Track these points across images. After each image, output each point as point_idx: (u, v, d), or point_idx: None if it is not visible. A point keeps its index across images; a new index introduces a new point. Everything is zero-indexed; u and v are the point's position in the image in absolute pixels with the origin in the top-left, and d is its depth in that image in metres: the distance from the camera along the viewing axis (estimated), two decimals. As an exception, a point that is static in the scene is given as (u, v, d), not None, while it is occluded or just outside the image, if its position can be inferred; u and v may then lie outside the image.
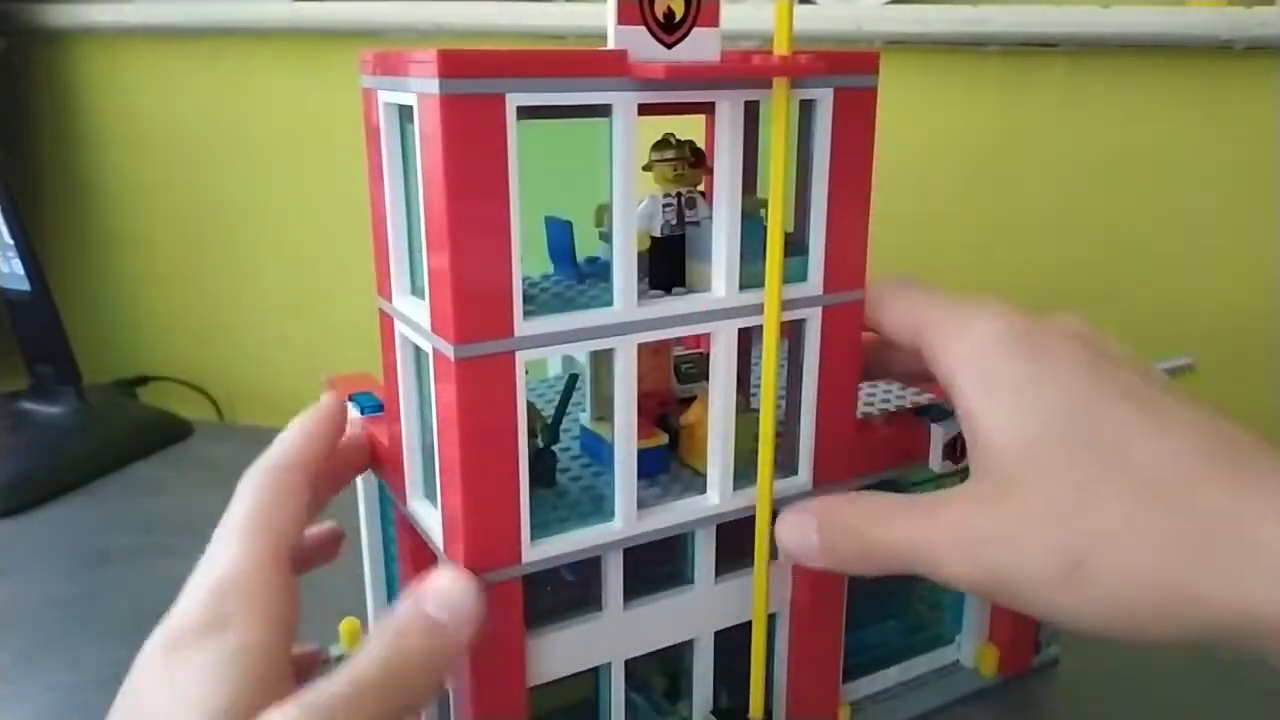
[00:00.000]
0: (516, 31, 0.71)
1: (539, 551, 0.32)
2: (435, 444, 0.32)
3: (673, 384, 0.40)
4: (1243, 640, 0.25)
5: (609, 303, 0.31)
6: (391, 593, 0.43)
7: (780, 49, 0.30)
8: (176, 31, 0.78)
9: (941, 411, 0.38)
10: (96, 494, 0.67)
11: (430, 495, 0.34)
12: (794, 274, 0.34)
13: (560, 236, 0.35)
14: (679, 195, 0.35)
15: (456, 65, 0.27)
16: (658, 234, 0.34)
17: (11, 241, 0.70)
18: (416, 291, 0.33)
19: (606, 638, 0.35)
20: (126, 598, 0.54)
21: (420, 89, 0.28)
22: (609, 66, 0.29)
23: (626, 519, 0.33)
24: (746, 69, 0.31)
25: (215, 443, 0.76)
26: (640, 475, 0.33)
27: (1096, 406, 0.28)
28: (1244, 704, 0.44)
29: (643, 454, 0.33)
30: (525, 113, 0.28)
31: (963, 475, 0.33)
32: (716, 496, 0.35)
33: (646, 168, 0.35)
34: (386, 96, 0.31)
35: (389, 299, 0.34)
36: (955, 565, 0.29)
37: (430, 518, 0.33)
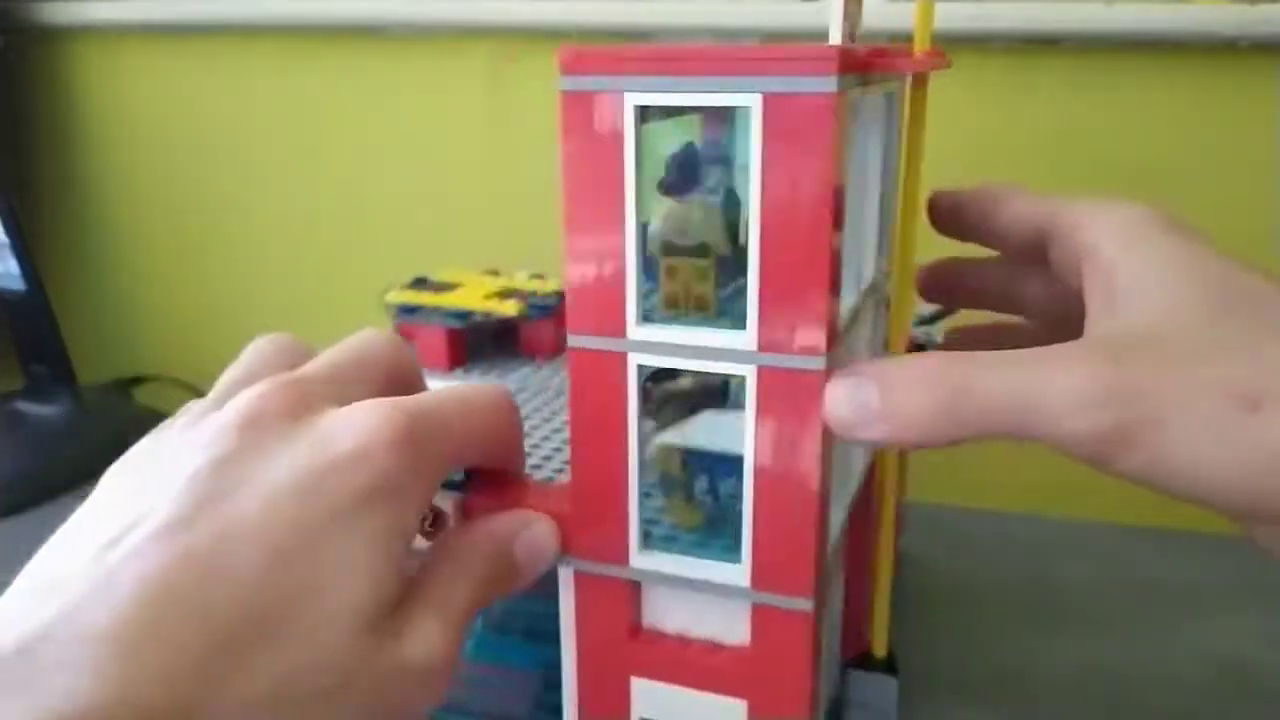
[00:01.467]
0: (514, 26, 0.70)
1: None
2: (748, 488, 0.29)
3: None
4: None
5: None
6: (553, 688, 0.36)
7: (921, 45, 0.31)
8: (174, 29, 0.78)
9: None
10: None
11: (682, 547, 0.31)
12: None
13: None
14: None
15: (848, 62, 0.26)
16: None
17: (7, 240, 0.69)
18: (653, 316, 0.30)
19: None
20: (122, 599, 0.53)
21: (788, 88, 0.26)
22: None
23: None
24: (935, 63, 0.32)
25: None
26: None
27: (1253, 280, 0.26)
28: (1251, 709, 0.44)
29: None
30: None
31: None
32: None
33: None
34: (641, 99, 0.27)
35: (618, 334, 0.29)
36: (1078, 421, 0.24)
37: (696, 567, 0.30)
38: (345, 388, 0.28)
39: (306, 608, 0.23)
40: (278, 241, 0.82)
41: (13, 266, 0.70)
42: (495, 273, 0.55)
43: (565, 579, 0.32)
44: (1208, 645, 0.49)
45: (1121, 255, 0.27)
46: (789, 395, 0.28)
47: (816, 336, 0.27)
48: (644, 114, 0.27)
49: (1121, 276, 0.27)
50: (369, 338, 0.31)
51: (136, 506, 0.24)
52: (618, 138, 0.27)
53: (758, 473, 0.29)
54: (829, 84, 0.25)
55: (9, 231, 0.69)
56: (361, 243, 0.80)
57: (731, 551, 0.30)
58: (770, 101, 0.26)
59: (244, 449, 0.25)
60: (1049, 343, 0.26)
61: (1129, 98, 0.62)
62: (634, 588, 0.32)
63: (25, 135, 0.85)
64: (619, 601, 0.32)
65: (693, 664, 0.32)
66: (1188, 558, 0.57)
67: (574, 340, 0.30)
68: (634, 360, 0.29)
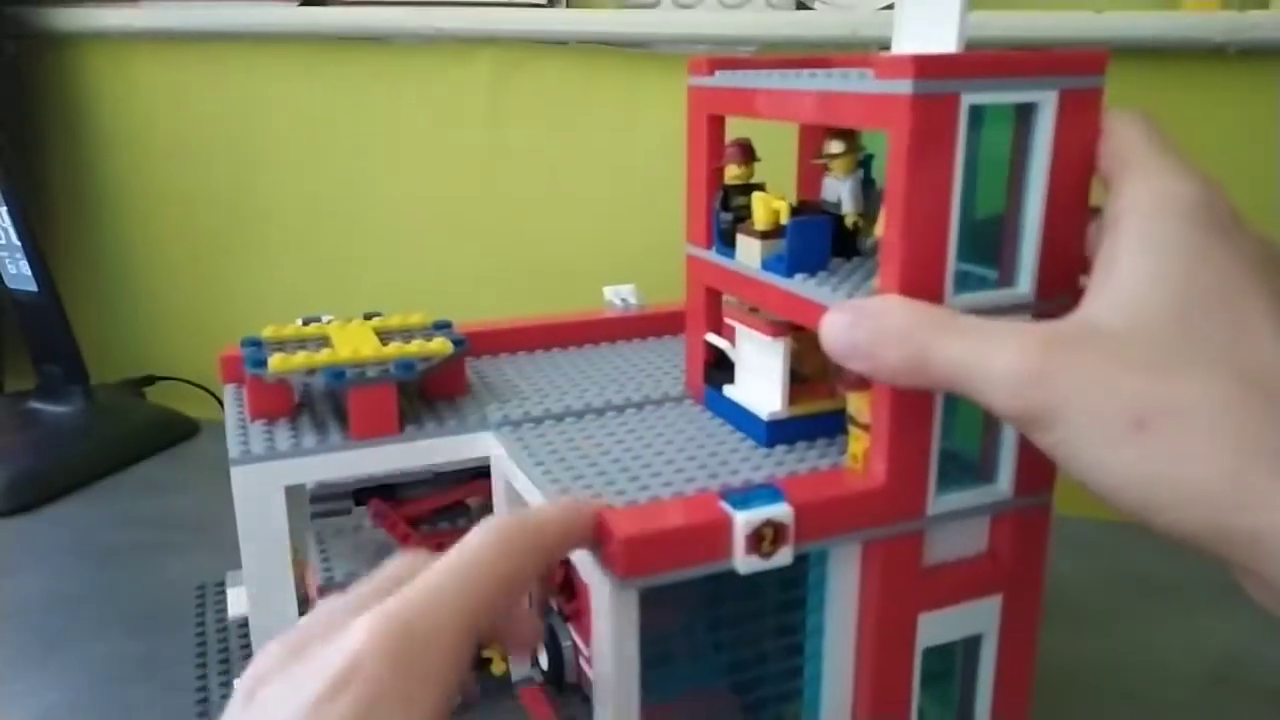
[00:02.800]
0: (516, 35, 0.71)
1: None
2: None
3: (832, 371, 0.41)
4: (1259, 562, 0.24)
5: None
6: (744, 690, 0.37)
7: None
8: (183, 36, 0.78)
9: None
10: (103, 493, 0.68)
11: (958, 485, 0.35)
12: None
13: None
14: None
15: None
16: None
17: (19, 243, 0.70)
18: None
19: None
20: (132, 596, 0.54)
21: (1076, 85, 0.32)
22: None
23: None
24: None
25: (221, 443, 0.75)
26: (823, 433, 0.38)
27: (1243, 296, 0.26)
28: (1241, 703, 0.44)
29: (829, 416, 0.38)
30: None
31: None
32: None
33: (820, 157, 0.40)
34: (973, 99, 0.31)
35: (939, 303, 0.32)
36: (1004, 399, 0.27)
37: (970, 496, 0.35)
38: (367, 601, 0.27)
39: None
40: (285, 244, 0.83)
41: (25, 268, 0.70)
42: (316, 319, 0.48)
43: (845, 554, 0.34)
44: (1198, 639, 0.49)
45: (1133, 240, 0.28)
46: None
47: (1078, 279, 0.32)
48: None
49: (1121, 263, 0.28)
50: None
51: None
52: (954, 133, 0.31)
53: None
54: (1100, 81, 0.32)
55: (21, 234, 0.70)
56: (368, 246, 0.81)
57: (990, 473, 0.36)
58: (1064, 96, 0.32)
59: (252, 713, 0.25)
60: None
61: (1121, 104, 0.62)
62: (922, 535, 0.35)
63: (37, 140, 0.85)
64: (911, 551, 0.35)
65: (964, 583, 0.36)
66: (1178, 553, 0.58)
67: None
68: None
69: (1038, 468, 0.35)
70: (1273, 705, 0.44)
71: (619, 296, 0.56)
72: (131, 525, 0.62)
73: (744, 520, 0.31)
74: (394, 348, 0.43)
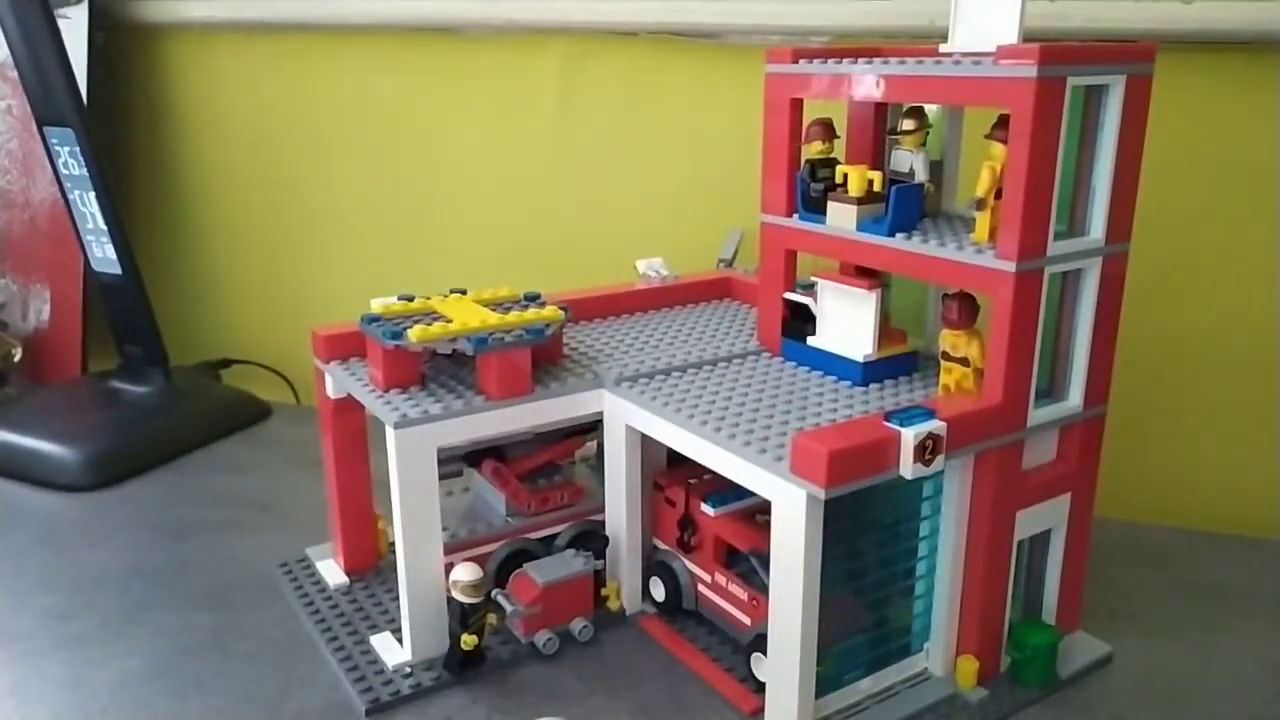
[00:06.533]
0: (587, 26, 0.72)
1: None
2: (1084, 341, 0.43)
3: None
4: None
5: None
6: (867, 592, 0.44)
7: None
8: (264, 27, 0.81)
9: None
10: (180, 471, 0.70)
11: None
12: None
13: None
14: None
15: None
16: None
17: (105, 227, 0.73)
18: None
19: None
20: (206, 569, 0.56)
21: (1137, 70, 0.40)
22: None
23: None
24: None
25: (292, 425, 0.79)
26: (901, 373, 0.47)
27: None
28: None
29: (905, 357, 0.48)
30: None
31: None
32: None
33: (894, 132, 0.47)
34: (1076, 81, 0.38)
35: (1042, 253, 0.40)
36: None
37: (1056, 410, 0.43)
38: None
39: None
40: (358, 232, 0.86)
41: (110, 251, 0.74)
42: (411, 297, 0.51)
43: (960, 465, 0.42)
44: (1271, 651, 0.48)
45: None
46: (1113, 273, 0.42)
47: (1130, 229, 0.42)
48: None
49: None
50: None
51: None
52: (1062, 109, 0.38)
53: (1096, 329, 0.43)
54: (1151, 68, 0.40)
55: (108, 219, 0.73)
56: (437, 233, 0.83)
57: (1063, 391, 0.44)
58: (1129, 79, 0.40)
59: None
60: None
61: (1217, 100, 0.60)
62: (1023, 445, 0.43)
63: (123, 127, 0.89)
64: (1015, 458, 0.43)
65: (1046, 484, 0.44)
66: (1250, 563, 0.56)
67: (1022, 265, 0.39)
68: (1049, 270, 0.41)
69: (1099, 383, 0.44)
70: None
71: (651, 268, 0.62)
72: (206, 503, 0.65)
73: (911, 434, 0.37)
74: (515, 315, 0.47)
